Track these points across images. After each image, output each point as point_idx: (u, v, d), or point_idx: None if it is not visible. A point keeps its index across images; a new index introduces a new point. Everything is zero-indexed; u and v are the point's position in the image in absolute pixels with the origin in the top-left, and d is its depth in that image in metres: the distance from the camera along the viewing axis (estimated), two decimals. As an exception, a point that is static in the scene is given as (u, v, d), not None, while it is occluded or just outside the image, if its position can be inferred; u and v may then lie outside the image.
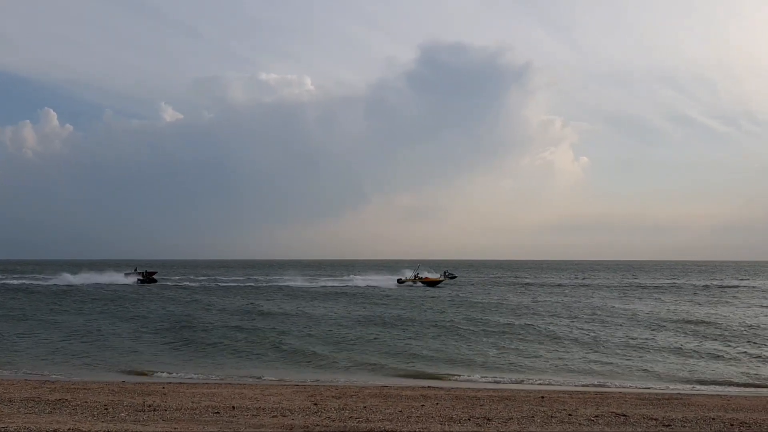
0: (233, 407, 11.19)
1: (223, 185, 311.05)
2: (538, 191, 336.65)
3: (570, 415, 10.64)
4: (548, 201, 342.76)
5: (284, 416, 10.44)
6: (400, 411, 10.88)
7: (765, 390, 15.92)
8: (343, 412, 10.79)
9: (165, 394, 12.88)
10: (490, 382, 16.88)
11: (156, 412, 10.66)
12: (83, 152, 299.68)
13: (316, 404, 11.59)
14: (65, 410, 10.79)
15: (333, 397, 12.68)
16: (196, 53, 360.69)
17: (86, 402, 11.58)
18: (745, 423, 10.11)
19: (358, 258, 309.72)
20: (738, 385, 16.65)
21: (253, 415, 10.50)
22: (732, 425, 9.96)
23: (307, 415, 10.55)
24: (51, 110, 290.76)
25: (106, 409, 10.90)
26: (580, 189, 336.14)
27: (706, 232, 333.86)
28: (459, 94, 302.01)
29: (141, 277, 68.15)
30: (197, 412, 10.77)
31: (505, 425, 9.82)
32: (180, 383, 15.80)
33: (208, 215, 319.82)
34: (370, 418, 10.23)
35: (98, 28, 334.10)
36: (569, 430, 9.57)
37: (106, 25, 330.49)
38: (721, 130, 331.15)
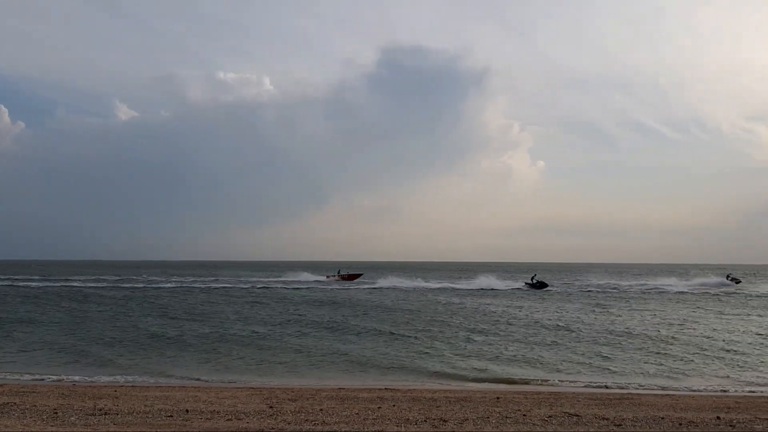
0: (187, 410, 11.04)
1: (179, 185, 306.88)
2: (496, 194, 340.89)
3: (524, 415, 10.77)
4: (506, 204, 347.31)
5: (239, 419, 10.34)
6: (357, 413, 10.88)
7: (711, 390, 16.30)
8: (299, 414, 10.74)
9: (117, 398, 12.64)
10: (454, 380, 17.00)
11: (107, 416, 10.46)
12: (35, 150, 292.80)
13: (271, 407, 11.51)
14: (13, 414, 10.51)
15: (289, 399, 12.60)
16: (153, 50, 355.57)
17: (35, 406, 11.29)
18: (693, 422, 10.36)
19: (319, 259, 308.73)
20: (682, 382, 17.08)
21: (207, 419, 10.38)
22: (680, 424, 10.20)
23: (262, 418, 10.47)
24: (1, 106, 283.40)
25: (56, 413, 10.65)
26: (536, 193, 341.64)
27: (657, 236, 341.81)
28: (419, 97, 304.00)
29: None
30: (150, 415, 10.60)
31: (461, 426, 9.90)
32: (133, 386, 15.52)
33: (163, 215, 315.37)
34: (326, 421, 10.20)
35: (51, 23, 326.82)
36: (523, 430, 9.70)
37: (59, 20, 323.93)
38: (671, 136, 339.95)
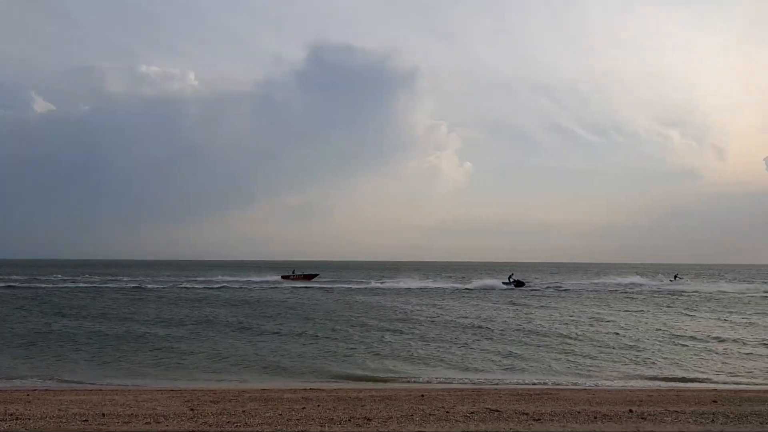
0: (103, 414, 10.66)
1: (97, 181, 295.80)
2: (424, 195, 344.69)
3: (447, 412, 10.93)
4: (434, 204, 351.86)
5: (158, 423, 10.06)
6: (280, 414, 10.77)
7: (624, 385, 16.99)
8: (220, 417, 10.54)
9: (29, 402, 12.08)
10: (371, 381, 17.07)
11: (18, 421, 9.99)
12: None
13: (192, 409, 11.26)
14: None
15: (211, 401, 12.35)
16: (70, 41, 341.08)
17: (-63, 413, 10.66)
18: (607, 415, 10.77)
19: (247, 258, 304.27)
20: (599, 377, 17.73)
21: (124, 422, 10.05)
22: (596, 418, 10.58)
23: (182, 420, 10.23)
24: None
25: (-40, 420, 10.09)
26: (464, 193, 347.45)
27: (578, 235, 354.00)
28: (347, 95, 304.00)
29: None
30: (64, 420, 10.18)
31: (385, 425, 9.95)
32: (46, 390, 14.87)
33: (78, 212, 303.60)
34: (248, 422, 10.05)
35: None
36: (446, 427, 9.84)
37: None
38: (591, 139, 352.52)
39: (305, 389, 14.97)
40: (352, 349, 22.41)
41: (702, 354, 21.94)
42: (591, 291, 59.18)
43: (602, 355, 21.63)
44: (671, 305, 42.74)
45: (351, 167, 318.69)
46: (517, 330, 27.80)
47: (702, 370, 19.20)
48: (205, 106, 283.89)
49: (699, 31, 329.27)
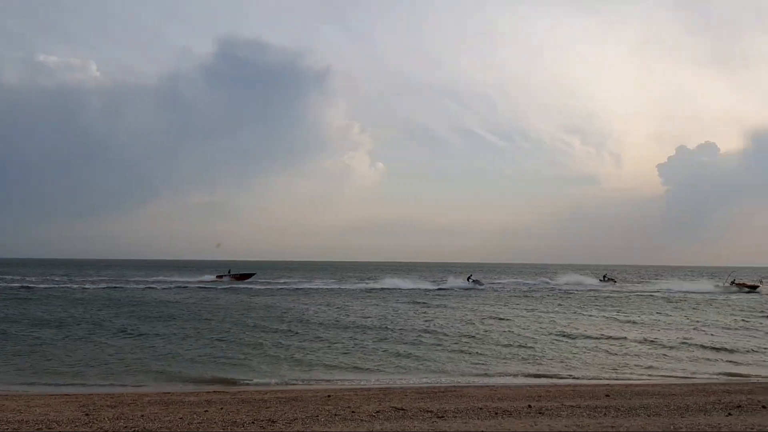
0: (-12, 423, 10.02)
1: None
2: (336, 194, 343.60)
3: (353, 412, 10.96)
4: (346, 204, 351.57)
5: (50, 428, 9.56)
6: (181, 418, 10.47)
7: (523, 382, 17.59)
8: (117, 422, 10.13)
9: None
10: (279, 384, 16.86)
11: None
12: None
13: (87, 414, 10.77)
14: None
15: (108, 406, 11.86)
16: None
17: None
18: (507, 411, 11.11)
19: (149, 257, 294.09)
20: (500, 375, 18.28)
21: (14, 429, 9.49)
22: (497, 413, 10.89)
23: (76, 426, 9.77)
24: None
25: None
26: (376, 194, 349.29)
27: (485, 237, 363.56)
28: (258, 92, 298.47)
29: None
30: (-58, 430, 9.50)
31: (290, 426, 9.86)
32: (-77, 399, 13.83)
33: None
34: (147, 427, 9.71)
35: None
36: (351, 426, 9.86)
37: None
38: (498, 144, 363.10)
39: (208, 392, 14.62)
40: (250, 351, 21.96)
41: (590, 351, 22.96)
42: (495, 291, 61.02)
43: (493, 352, 22.23)
44: (564, 303, 44.61)
45: (261, 166, 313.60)
46: (418, 330, 28.04)
47: (588, 366, 20.10)
48: (107, 99, 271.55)
49: (599, 43, 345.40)
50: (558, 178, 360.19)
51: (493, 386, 15.87)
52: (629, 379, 17.89)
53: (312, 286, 65.07)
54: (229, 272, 75.41)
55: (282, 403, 12.08)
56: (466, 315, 35.63)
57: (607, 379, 18.00)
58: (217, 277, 74.85)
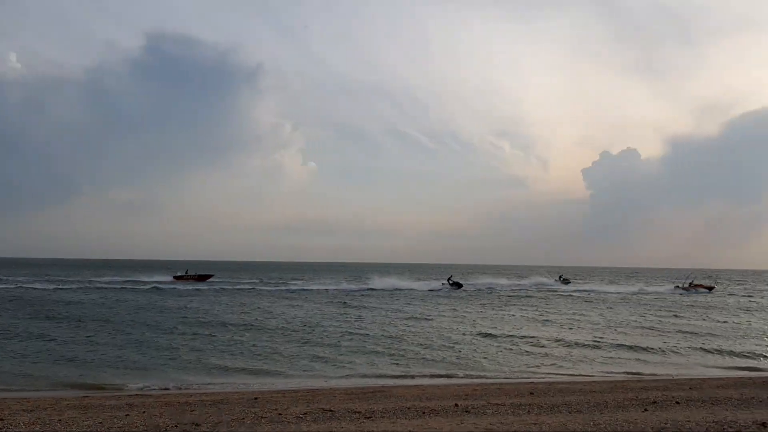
0: None
1: None
2: (267, 193, 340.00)
3: (280, 414, 10.84)
4: (277, 203, 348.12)
5: (-43, 437, 9.08)
6: (101, 422, 10.11)
7: (456, 380, 17.83)
8: (33, 426, 9.72)
9: None
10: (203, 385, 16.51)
11: None
12: None
13: (1, 420, 10.27)
14: None
15: (24, 410, 11.34)
16: None
17: None
18: (434, 410, 11.22)
19: (69, 257, 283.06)
20: (432, 376, 18.45)
21: None
22: (424, 413, 10.98)
23: (-14, 434, 9.31)
24: None
25: None
26: (307, 193, 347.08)
27: (417, 237, 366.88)
28: (187, 88, 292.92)
29: None
30: None
31: (214, 429, 9.67)
32: None
33: None
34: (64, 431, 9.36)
35: None
36: (278, 428, 9.75)
37: None
38: (430, 146, 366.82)
39: (130, 395, 14.20)
40: (165, 355, 21.44)
41: (511, 350, 23.50)
42: (427, 290, 61.65)
43: (416, 353, 22.44)
44: (490, 303, 45.53)
45: (190, 162, 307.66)
46: (341, 332, 27.89)
47: (512, 365, 20.57)
48: (27, 91, 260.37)
49: (528, 50, 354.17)
50: (488, 180, 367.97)
51: (422, 386, 16.00)
52: (553, 377, 18.37)
53: (245, 286, 64.11)
54: (186, 272, 74.45)
55: (207, 406, 11.84)
56: (388, 316, 35.81)
57: (532, 377, 18.44)
58: (174, 277, 73.45)
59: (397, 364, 20.40)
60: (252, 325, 30.08)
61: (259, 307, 40.37)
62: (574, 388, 14.75)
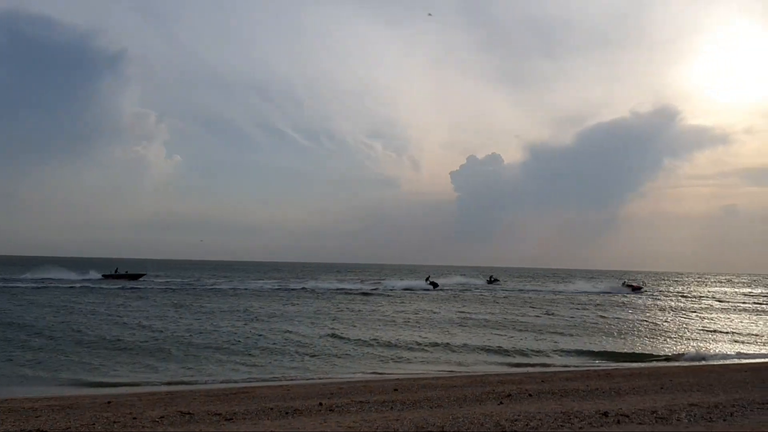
0: None
1: None
2: (129, 186, 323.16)
3: (135, 418, 10.33)
4: (140, 197, 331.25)
5: None
6: (-72, 433, 9.19)
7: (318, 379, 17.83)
8: None
9: None
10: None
11: None
12: None
13: None
14: None
15: None
16: None
17: None
18: (299, 410, 11.10)
19: None
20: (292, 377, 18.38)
21: None
22: (287, 413, 10.85)
23: None
24: None
25: None
26: (173, 187, 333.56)
27: (289, 235, 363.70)
28: (43, 73, 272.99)
29: None
30: None
31: (61, 436, 9.06)
32: None
33: None
34: None
35: None
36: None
37: None
38: (304, 143, 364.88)
39: (-35, 403, 13.01)
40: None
41: (370, 348, 23.94)
42: (277, 289, 61.32)
43: (271, 352, 22.32)
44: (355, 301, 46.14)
45: (44, 152, 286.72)
46: (191, 332, 27.08)
47: (372, 363, 20.95)
48: None
49: (402, 54, 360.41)
50: (361, 179, 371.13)
51: (287, 386, 15.86)
52: (417, 374, 18.83)
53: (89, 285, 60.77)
54: (116, 271, 72.72)
55: (55, 412, 11.07)
56: (241, 318, 34.97)
57: (396, 374, 18.80)
58: (103, 276, 71.00)
59: (255, 365, 20.09)
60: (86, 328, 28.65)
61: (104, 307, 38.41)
62: (436, 384, 15.17)
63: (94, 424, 9.88)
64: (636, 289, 74.60)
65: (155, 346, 23.07)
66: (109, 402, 12.29)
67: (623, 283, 77.51)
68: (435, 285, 70.36)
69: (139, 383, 16.80)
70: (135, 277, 72.33)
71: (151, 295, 49.07)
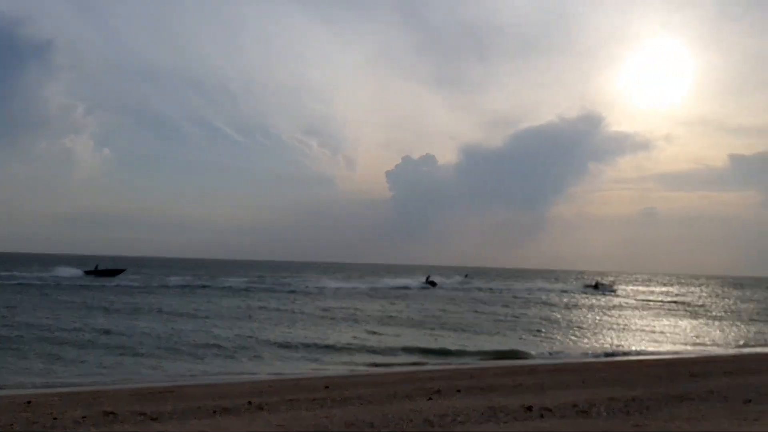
0: None
1: None
2: (56, 180, 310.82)
3: (55, 419, 10.00)
4: (67, 192, 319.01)
5: None
6: None
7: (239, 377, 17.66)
8: None
9: None
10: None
11: None
12: None
13: None
14: None
15: None
16: None
17: None
18: (227, 409, 10.96)
19: None
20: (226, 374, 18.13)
21: None
22: (215, 412, 10.71)
23: None
24: None
25: None
26: (102, 182, 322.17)
27: (222, 232, 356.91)
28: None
29: None
30: None
31: (-25, 439, 8.69)
32: None
33: None
34: None
35: None
36: (52, 435, 9.00)
37: None
38: (237, 139, 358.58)
39: None
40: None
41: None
42: (228, 287, 60.44)
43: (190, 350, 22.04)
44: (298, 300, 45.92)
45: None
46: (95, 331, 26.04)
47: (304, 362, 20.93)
48: None
49: (338, 52, 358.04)
50: (296, 177, 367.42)
51: (215, 384, 15.65)
52: (348, 372, 18.89)
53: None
54: (96, 267, 71.16)
55: (-32, 414, 10.60)
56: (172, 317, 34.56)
57: (327, 371, 18.80)
58: (85, 272, 69.98)
59: (179, 361, 19.76)
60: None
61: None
62: (367, 381, 15.28)
63: (12, 424, 9.52)
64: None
65: (77, 345, 22.30)
66: (29, 402, 11.83)
67: (596, 283, 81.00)
68: (433, 284, 71.54)
69: (55, 384, 16.16)
70: (115, 273, 71.46)
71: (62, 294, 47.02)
